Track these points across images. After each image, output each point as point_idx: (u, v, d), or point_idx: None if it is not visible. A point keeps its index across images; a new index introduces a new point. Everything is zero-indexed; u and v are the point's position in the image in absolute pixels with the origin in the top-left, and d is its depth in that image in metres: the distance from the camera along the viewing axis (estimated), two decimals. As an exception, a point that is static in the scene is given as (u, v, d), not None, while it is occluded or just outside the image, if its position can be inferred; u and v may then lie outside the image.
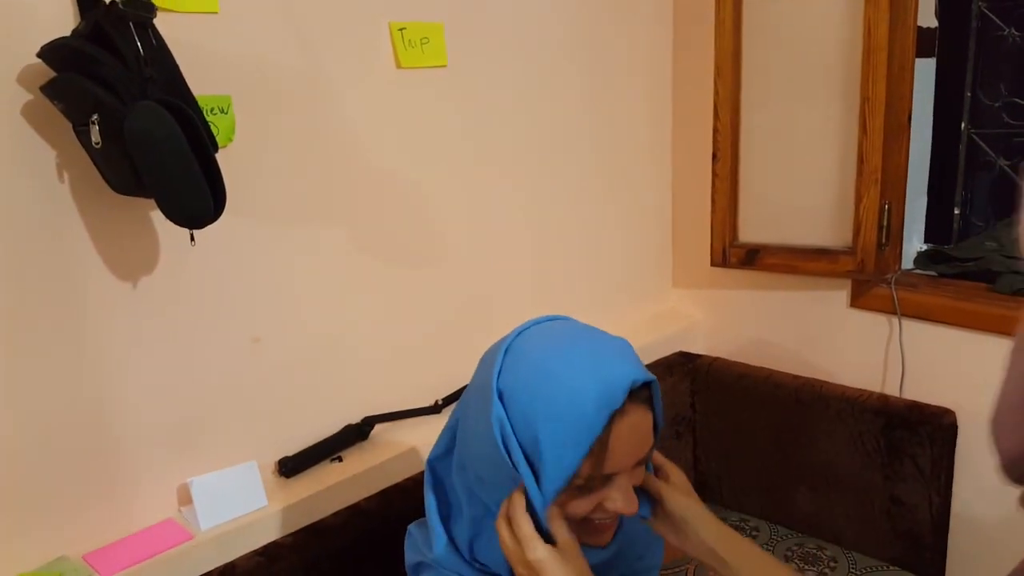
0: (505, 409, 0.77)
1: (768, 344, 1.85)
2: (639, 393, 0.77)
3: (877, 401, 1.60)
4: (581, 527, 0.80)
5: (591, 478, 0.76)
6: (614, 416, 0.74)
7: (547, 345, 0.80)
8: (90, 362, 1.02)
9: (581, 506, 0.78)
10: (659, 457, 0.91)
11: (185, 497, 1.13)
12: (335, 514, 1.19)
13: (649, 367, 1.84)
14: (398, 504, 1.24)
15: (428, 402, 1.43)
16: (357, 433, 1.33)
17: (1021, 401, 0.49)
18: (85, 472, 1.03)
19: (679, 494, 0.88)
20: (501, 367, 0.79)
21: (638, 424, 0.77)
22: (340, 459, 1.28)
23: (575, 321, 0.87)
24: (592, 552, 0.82)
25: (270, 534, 1.13)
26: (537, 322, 0.85)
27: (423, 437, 1.32)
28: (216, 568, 1.06)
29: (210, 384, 1.15)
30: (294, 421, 1.27)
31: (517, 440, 0.76)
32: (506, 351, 0.81)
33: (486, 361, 0.84)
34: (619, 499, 0.77)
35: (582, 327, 0.84)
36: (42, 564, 1.00)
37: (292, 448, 1.26)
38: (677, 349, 1.91)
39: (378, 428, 1.36)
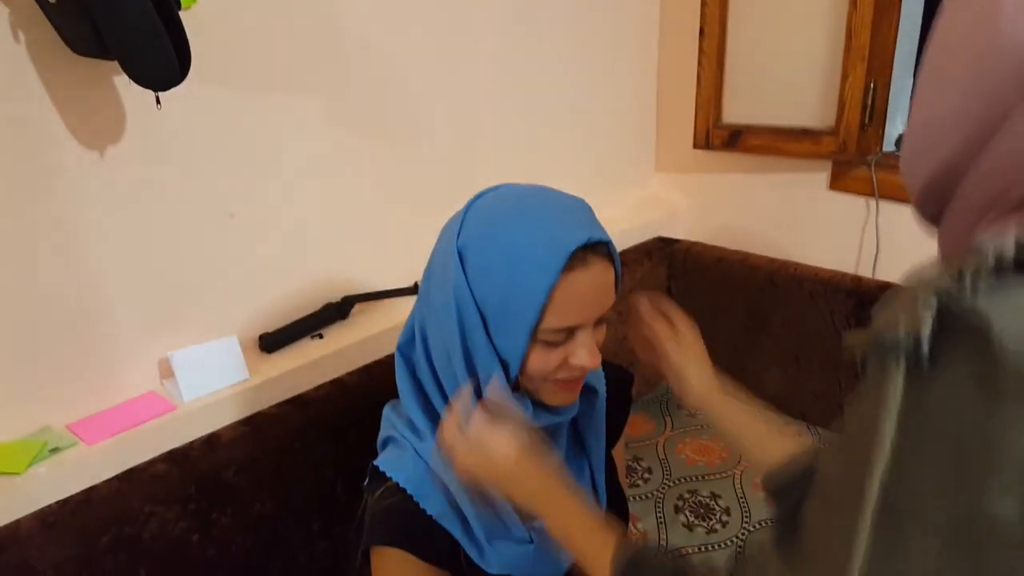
0: (464, 267, 0.77)
1: (748, 228, 1.86)
2: (598, 248, 0.77)
3: (850, 282, 1.63)
4: (549, 387, 0.82)
5: (556, 332, 0.77)
6: (575, 266, 0.75)
7: (506, 202, 0.80)
8: (61, 233, 0.99)
9: (548, 362, 0.79)
10: (667, 305, 0.95)
11: (167, 371, 1.13)
12: (318, 387, 1.21)
13: (627, 252, 1.87)
14: (380, 379, 1.26)
15: (407, 283, 1.43)
16: (337, 312, 1.33)
17: (924, 134, 0.48)
18: (65, 345, 1.03)
19: (681, 351, 0.93)
20: (461, 226, 0.79)
21: (599, 277, 0.77)
22: (321, 336, 1.29)
23: (536, 185, 0.86)
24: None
25: (254, 406, 1.14)
26: (497, 187, 0.85)
27: (403, 317, 1.33)
28: (201, 437, 1.08)
29: (186, 258, 1.13)
30: (274, 299, 1.27)
31: (474, 298, 0.77)
32: (466, 211, 0.81)
33: (448, 226, 0.84)
34: (584, 354, 0.78)
35: (541, 187, 0.84)
36: (27, 433, 1.01)
37: (273, 325, 1.26)
38: (657, 234, 1.92)
39: (358, 307, 1.37)
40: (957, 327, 0.38)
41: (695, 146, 1.76)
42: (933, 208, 0.50)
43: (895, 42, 1.53)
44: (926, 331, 0.39)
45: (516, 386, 0.82)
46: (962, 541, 0.38)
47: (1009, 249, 0.38)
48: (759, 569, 0.51)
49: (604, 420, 0.96)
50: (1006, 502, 0.36)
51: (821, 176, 1.70)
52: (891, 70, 1.54)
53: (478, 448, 0.77)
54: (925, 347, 0.39)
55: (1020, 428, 0.36)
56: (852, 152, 1.56)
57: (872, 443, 0.40)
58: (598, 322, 0.81)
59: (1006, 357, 0.36)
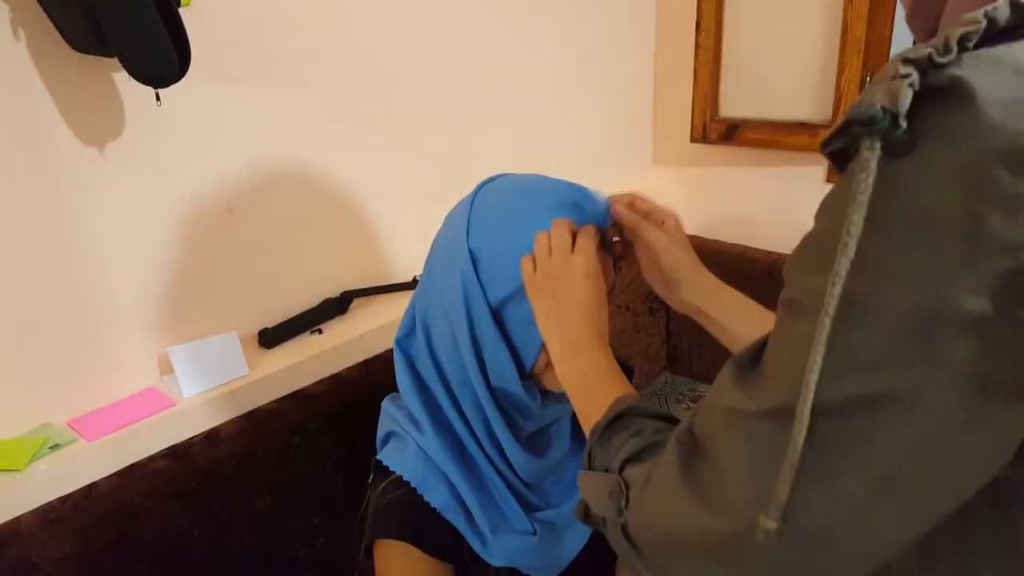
0: (478, 271, 0.78)
1: (745, 221, 1.86)
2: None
3: (847, 275, 1.63)
4: (554, 375, 0.82)
5: None
6: None
7: (512, 195, 0.81)
8: (61, 229, 0.99)
9: None
10: (646, 204, 0.88)
11: (166, 367, 1.13)
12: (318, 382, 1.21)
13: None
14: (379, 373, 1.26)
15: (406, 278, 1.43)
16: (336, 307, 1.33)
17: None
18: (64, 342, 1.02)
19: (675, 249, 0.85)
20: (469, 224, 0.80)
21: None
22: (320, 331, 1.29)
23: (536, 174, 0.87)
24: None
25: (253, 401, 1.14)
26: (497, 176, 0.85)
27: (402, 312, 1.33)
28: (201, 433, 1.08)
29: (186, 254, 1.13)
30: (272, 294, 1.27)
31: (484, 295, 0.77)
32: (472, 205, 0.81)
33: (454, 217, 0.84)
34: None
35: (541, 176, 0.85)
36: (27, 430, 1.01)
37: (272, 321, 1.26)
38: (653, 227, 1.92)
39: (356, 302, 1.37)
40: (940, 100, 0.34)
41: (692, 140, 1.77)
42: (927, 21, 0.46)
43: (891, 35, 1.53)
44: (904, 105, 0.34)
45: (526, 374, 0.82)
46: (921, 337, 0.34)
47: (1003, 11, 0.34)
48: (716, 402, 0.45)
49: None
50: (979, 294, 0.33)
51: (818, 169, 1.70)
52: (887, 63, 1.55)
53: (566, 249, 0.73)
54: (903, 123, 0.34)
55: (1003, 211, 0.32)
56: (849, 145, 1.56)
57: (836, 240, 0.36)
58: None
59: (991, 129, 0.32)
